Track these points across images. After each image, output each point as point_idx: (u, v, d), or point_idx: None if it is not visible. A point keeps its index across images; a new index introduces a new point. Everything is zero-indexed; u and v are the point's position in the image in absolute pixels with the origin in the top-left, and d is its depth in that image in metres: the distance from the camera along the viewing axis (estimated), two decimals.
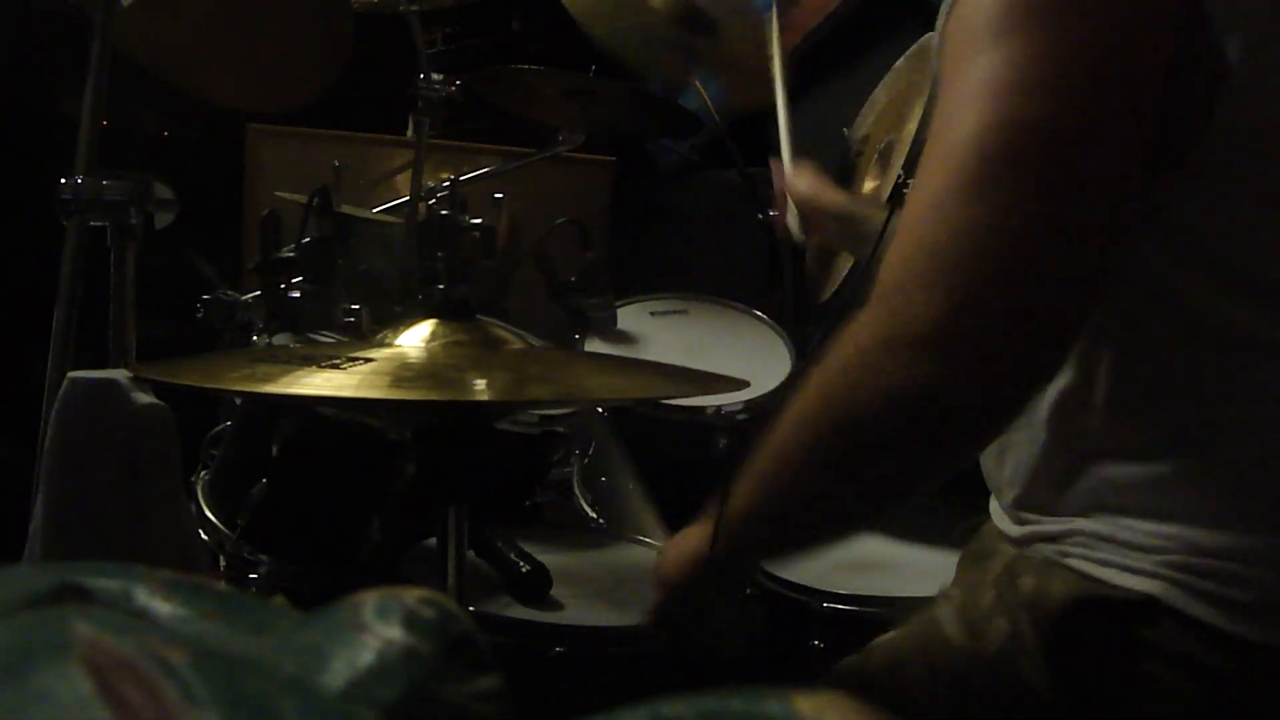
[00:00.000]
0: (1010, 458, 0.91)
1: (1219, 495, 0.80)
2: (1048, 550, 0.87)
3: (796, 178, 1.51)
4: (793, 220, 1.51)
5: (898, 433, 0.74)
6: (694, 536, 0.94)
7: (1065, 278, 0.71)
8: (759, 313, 2.00)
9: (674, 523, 1.61)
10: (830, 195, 1.45)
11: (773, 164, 1.58)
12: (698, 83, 2.13)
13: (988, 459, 0.95)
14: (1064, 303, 0.71)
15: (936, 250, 0.71)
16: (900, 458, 0.76)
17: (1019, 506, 0.91)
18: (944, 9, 0.80)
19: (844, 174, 1.56)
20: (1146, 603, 0.80)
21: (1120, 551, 0.82)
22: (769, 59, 1.52)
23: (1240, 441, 0.80)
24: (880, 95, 1.57)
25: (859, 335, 0.75)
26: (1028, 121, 0.71)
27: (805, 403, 0.79)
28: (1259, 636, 0.77)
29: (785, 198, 1.50)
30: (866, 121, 1.58)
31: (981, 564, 0.95)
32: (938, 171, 0.73)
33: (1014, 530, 0.92)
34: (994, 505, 0.97)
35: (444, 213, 1.94)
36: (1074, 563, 0.84)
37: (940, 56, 0.79)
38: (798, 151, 1.53)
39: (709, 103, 2.17)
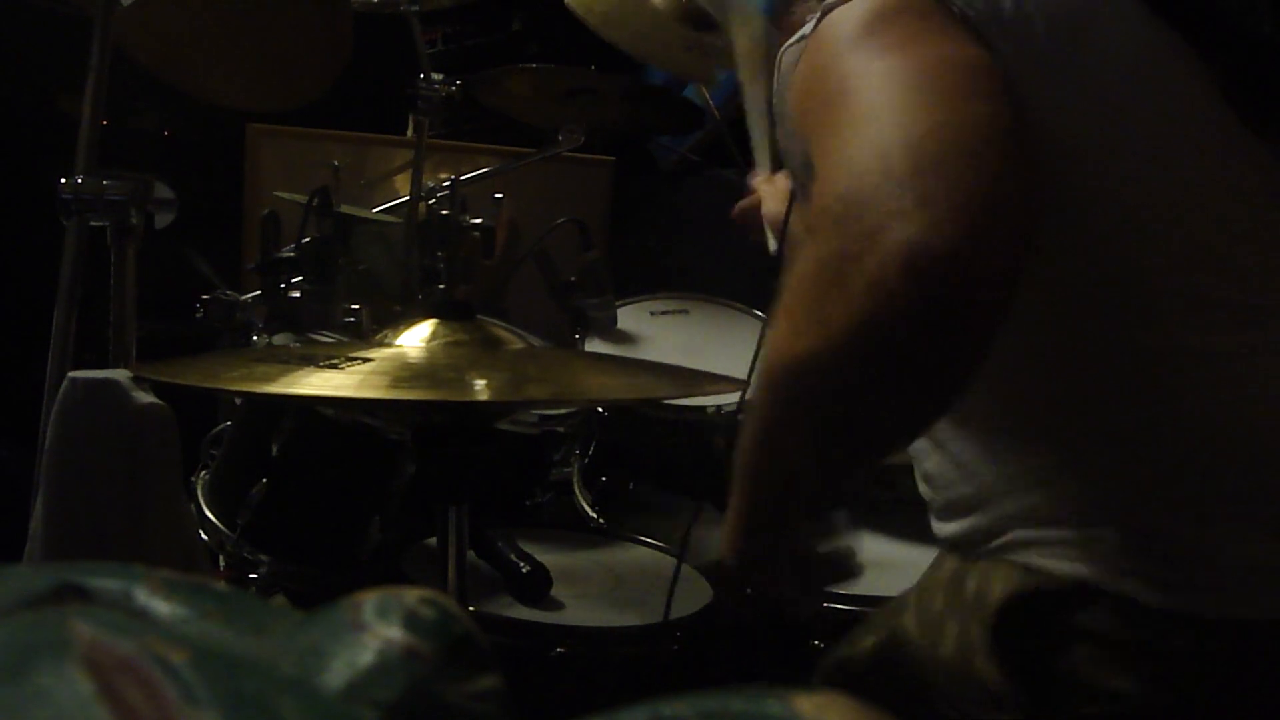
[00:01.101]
0: (935, 473, 0.96)
1: (1139, 495, 0.83)
2: (988, 551, 0.90)
3: (771, 192, 1.52)
4: (768, 230, 1.51)
5: (903, 322, 0.69)
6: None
7: (1019, 158, 0.72)
8: (759, 313, 2.00)
9: (673, 522, 1.62)
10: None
11: (753, 173, 1.59)
12: (716, 70, 2.13)
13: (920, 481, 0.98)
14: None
15: (875, 160, 0.70)
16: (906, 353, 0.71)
17: (951, 513, 0.95)
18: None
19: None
20: (1079, 587, 0.83)
21: (1051, 546, 0.85)
22: (743, 73, 1.52)
23: (1155, 441, 0.83)
24: None
25: (809, 266, 0.72)
26: (951, 55, 0.75)
27: (779, 352, 0.75)
28: (1185, 608, 0.80)
29: (753, 204, 1.52)
30: None
31: (935, 568, 0.99)
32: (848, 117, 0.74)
33: (951, 532, 0.94)
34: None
35: (444, 213, 1.94)
36: (1012, 556, 0.87)
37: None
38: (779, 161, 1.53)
39: (709, 101, 2.17)
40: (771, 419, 0.80)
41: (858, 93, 0.75)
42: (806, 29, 0.85)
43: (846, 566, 1.27)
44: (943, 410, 0.77)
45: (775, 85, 0.88)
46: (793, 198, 1.07)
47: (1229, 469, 0.83)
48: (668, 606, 1.17)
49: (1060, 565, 0.84)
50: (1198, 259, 0.84)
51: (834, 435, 0.77)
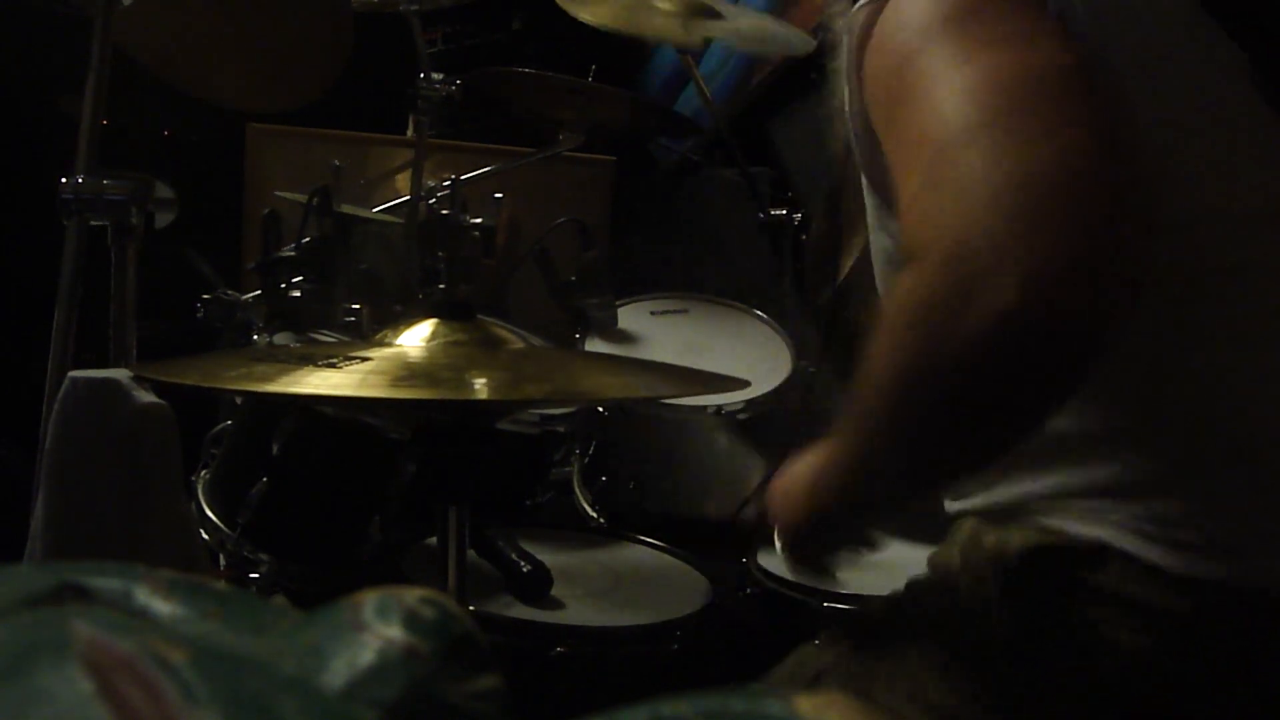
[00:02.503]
0: None
1: (1164, 463, 0.84)
2: (1007, 519, 0.91)
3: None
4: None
5: (999, 366, 0.70)
6: (807, 478, 0.92)
7: (1127, 183, 0.70)
8: (759, 312, 2.00)
9: (674, 524, 1.62)
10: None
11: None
12: (699, 77, 2.13)
13: None
14: (1122, 208, 0.70)
15: (990, 189, 0.69)
16: (1009, 388, 0.72)
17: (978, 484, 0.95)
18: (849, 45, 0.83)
19: (840, 182, 1.56)
20: (1097, 548, 0.84)
21: (1074, 509, 0.86)
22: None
23: (1184, 412, 0.85)
24: None
25: (919, 296, 0.72)
26: (1041, 61, 0.72)
27: (888, 370, 0.76)
28: (1203, 573, 0.81)
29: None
30: None
31: (950, 533, 0.99)
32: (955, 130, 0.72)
33: (978, 502, 0.95)
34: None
35: (444, 213, 1.94)
36: (1034, 518, 0.88)
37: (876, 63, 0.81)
38: (795, 153, 1.52)
39: (709, 100, 2.17)
40: (876, 430, 0.81)
41: (944, 102, 0.73)
42: None
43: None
44: (1026, 440, 0.78)
45: (846, 44, 0.86)
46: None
47: (1252, 440, 0.84)
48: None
49: (1080, 528, 0.85)
50: (1222, 233, 0.86)
51: (936, 453, 0.79)
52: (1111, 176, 0.69)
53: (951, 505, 0.98)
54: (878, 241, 0.98)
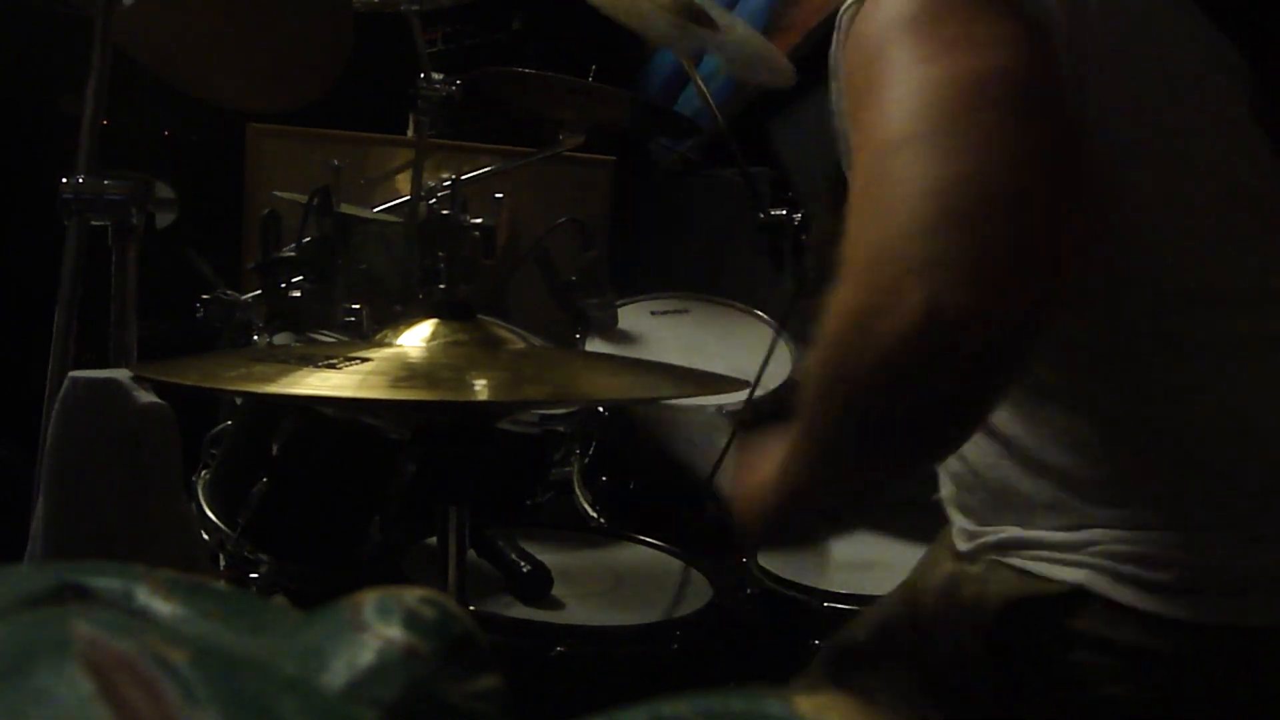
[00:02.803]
0: (948, 479, 0.97)
1: (1137, 500, 0.84)
2: (990, 556, 0.91)
3: None
4: None
5: (924, 366, 0.70)
6: (757, 483, 0.93)
7: (1051, 200, 0.71)
8: (759, 312, 2.00)
9: (672, 524, 1.62)
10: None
11: None
12: (698, 78, 2.12)
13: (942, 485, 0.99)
14: (1049, 220, 0.71)
15: (922, 199, 0.69)
16: (934, 390, 0.72)
17: (959, 511, 0.96)
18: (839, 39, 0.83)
19: (840, 182, 1.56)
20: (1075, 593, 0.84)
21: (1050, 551, 0.86)
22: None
23: (1152, 449, 0.84)
24: None
25: (840, 308, 0.74)
26: (992, 70, 0.72)
27: (818, 374, 0.78)
28: (1180, 614, 0.81)
29: None
30: None
31: (931, 570, 1.00)
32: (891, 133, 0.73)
33: (962, 547, 0.95)
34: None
35: (444, 213, 1.94)
36: (1012, 561, 0.88)
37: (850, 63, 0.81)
38: (795, 153, 1.52)
39: (709, 100, 2.17)
40: (811, 429, 0.82)
41: (893, 103, 0.74)
42: None
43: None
44: (958, 444, 0.80)
45: (834, 43, 0.87)
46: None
47: (1230, 476, 0.83)
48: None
49: (1057, 571, 0.85)
50: (1209, 257, 0.85)
51: (861, 454, 0.80)
52: (1032, 194, 0.69)
53: (958, 543, 0.98)
54: None
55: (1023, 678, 0.87)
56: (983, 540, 0.92)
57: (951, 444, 0.78)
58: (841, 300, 0.73)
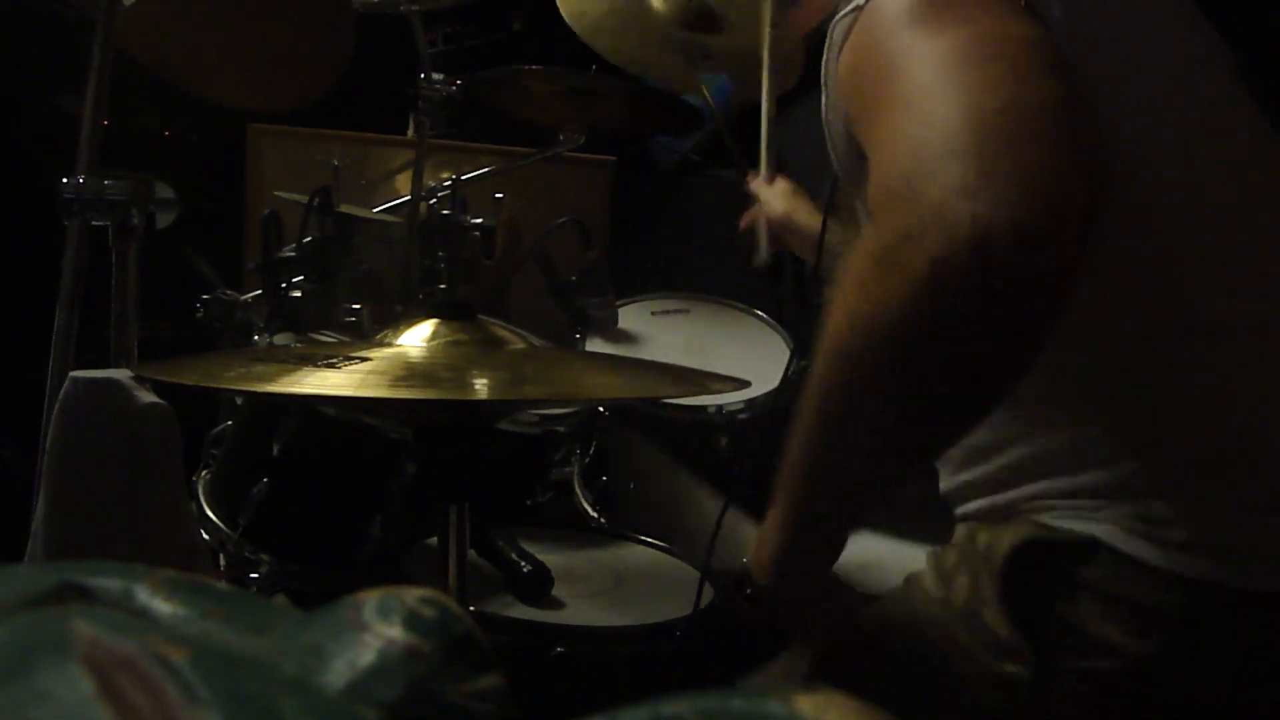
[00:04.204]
0: (952, 468, 0.98)
1: (1154, 464, 0.85)
2: (1004, 514, 0.93)
3: (772, 195, 1.51)
4: (762, 238, 1.50)
5: (940, 321, 0.67)
6: (770, 531, 0.93)
7: (1078, 137, 0.70)
8: (759, 312, 2.00)
9: (672, 524, 1.62)
10: (804, 217, 1.45)
11: (750, 176, 1.58)
12: (700, 81, 2.12)
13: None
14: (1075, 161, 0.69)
15: (942, 142, 0.68)
16: (951, 344, 0.69)
17: (967, 497, 0.97)
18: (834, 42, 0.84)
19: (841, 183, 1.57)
20: (1088, 544, 0.85)
21: (1065, 506, 0.88)
22: (760, 63, 1.52)
23: (1173, 413, 0.86)
24: None
25: (870, 245, 0.71)
26: (1005, 30, 0.73)
27: (836, 338, 0.74)
28: (1189, 571, 0.82)
29: (759, 214, 1.51)
30: None
31: (950, 529, 1.01)
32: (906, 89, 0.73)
33: (971, 507, 0.97)
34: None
35: (444, 213, 1.95)
36: (1025, 514, 0.90)
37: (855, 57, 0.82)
38: (795, 155, 1.53)
39: (710, 100, 2.17)
40: (827, 409, 0.78)
41: (914, 71, 0.73)
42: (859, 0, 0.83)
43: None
44: (1003, 395, 0.74)
45: (825, 57, 0.87)
46: (832, 188, 1.08)
47: (1240, 442, 0.85)
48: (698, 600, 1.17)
49: (1070, 523, 0.87)
50: (1215, 233, 0.87)
51: (891, 423, 0.75)
52: (1062, 131, 0.68)
53: (946, 483, 1.00)
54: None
55: (1033, 622, 0.88)
56: (995, 501, 0.93)
57: (1002, 385, 0.72)
58: (873, 234, 0.70)
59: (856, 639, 1.01)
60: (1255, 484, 0.85)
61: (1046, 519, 0.88)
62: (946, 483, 1.01)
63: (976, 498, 0.96)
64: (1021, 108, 0.68)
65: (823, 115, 0.92)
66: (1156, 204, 0.85)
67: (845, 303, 0.72)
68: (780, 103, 1.62)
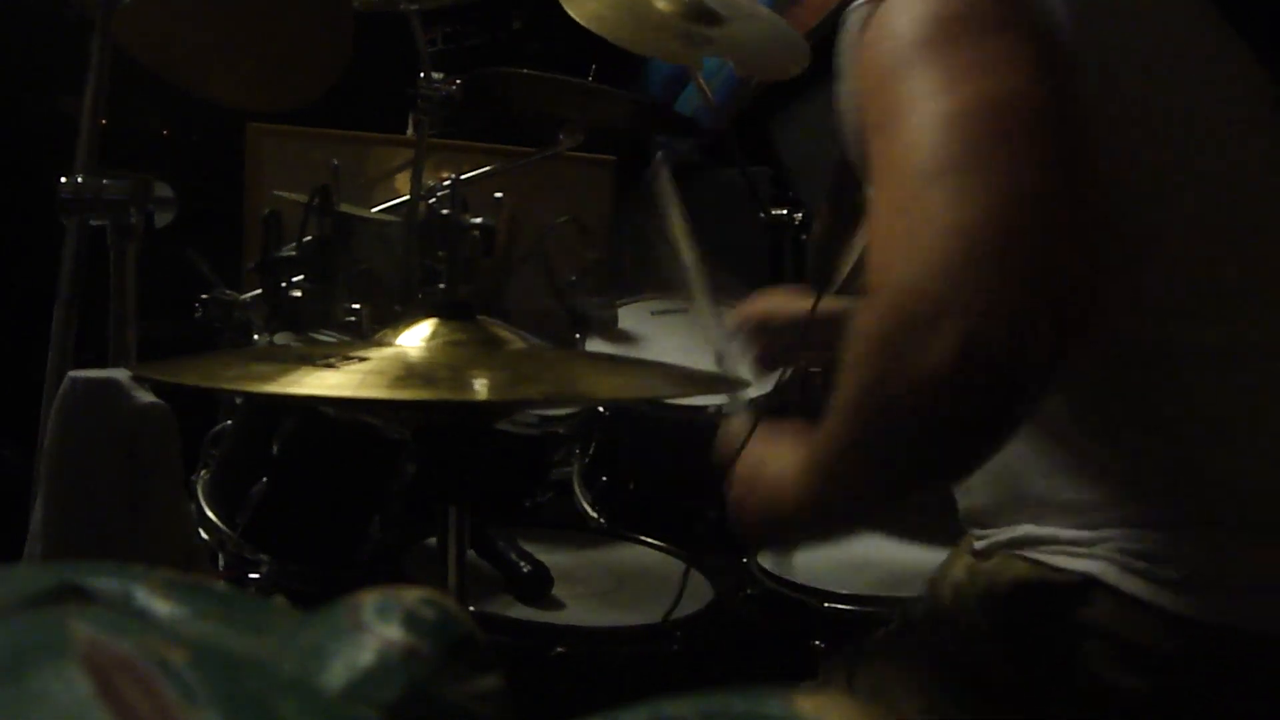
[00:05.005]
0: (964, 490, 0.98)
1: (1148, 498, 0.85)
2: (1004, 551, 0.92)
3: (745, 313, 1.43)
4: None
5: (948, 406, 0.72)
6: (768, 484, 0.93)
7: (1076, 228, 0.71)
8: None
9: (670, 524, 1.62)
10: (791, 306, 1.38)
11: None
12: (700, 79, 2.12)
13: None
14: (1080, 252, 0.71)
15: (942, 230, 0.70)
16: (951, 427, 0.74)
17: (973, 522, 0.97)
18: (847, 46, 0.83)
19: (841, 181, 1.56)
20: (1086, 583, 0.85)
21: (1063, 545, 0.87)
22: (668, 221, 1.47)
23: (1165, 446, 0.85)
24: None
25: (871, 340, 0.75)
26: (1010, 96, 0.73)
27: (849, 402, 0.78)
28: (1188, 611, 0.81)
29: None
30: None
31: (948, 568, 1.01)
32: (913, 161, 0.74)
33: (976, 545, 0.97)
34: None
35: (444, 212, 1.94)
36: (1025, 553, 0.90)
37: (863, 81, 0.82)
38: (796, 153, 1.52)
39: (710, 100, 2.17)
40: (839, 435, 0.81)
41: (912, 135, 0.74)
42: None
43: None
44: (984, 462, 0.80)
45: (840, 42, 0.87)
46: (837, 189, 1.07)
47: (1239, 479, 0.84)
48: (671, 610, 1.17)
49: (1068, 562, 0.86)
50: (1219, 253, 0.86)
51: (881, 472, 0.80)
52: (1058, 223, 0.70)
53: (971, 541, 0.99)
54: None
55: (1029, 662, 0.88)
56: (996, 538, 0.93)
57: (979, 462, 0.80)
58: (873, 329, 0.74)
59: (857, 678, 1.01)
60: (1256, 520, 0.84)
61: (1042, 556, 0.88)
62: (960, 501, 1.01)
63: (981, 522, 0.96)
64: (1013, 214, 0.70)
65: (840, 103, 0.91)
66: (1151, 232, 0.84)
67: (854, 372, 0.77)
68: (782, 102, 1.61)
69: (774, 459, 0.92)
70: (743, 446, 0.97)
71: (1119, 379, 0.85)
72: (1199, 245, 0.86)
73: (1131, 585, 0.83)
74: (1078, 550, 0.86)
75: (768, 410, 1.04)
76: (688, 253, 1.33)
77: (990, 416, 0.73)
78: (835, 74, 0.89)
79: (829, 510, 0.88)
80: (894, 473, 0.79)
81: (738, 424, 1.01)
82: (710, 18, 1.87)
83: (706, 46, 1.89)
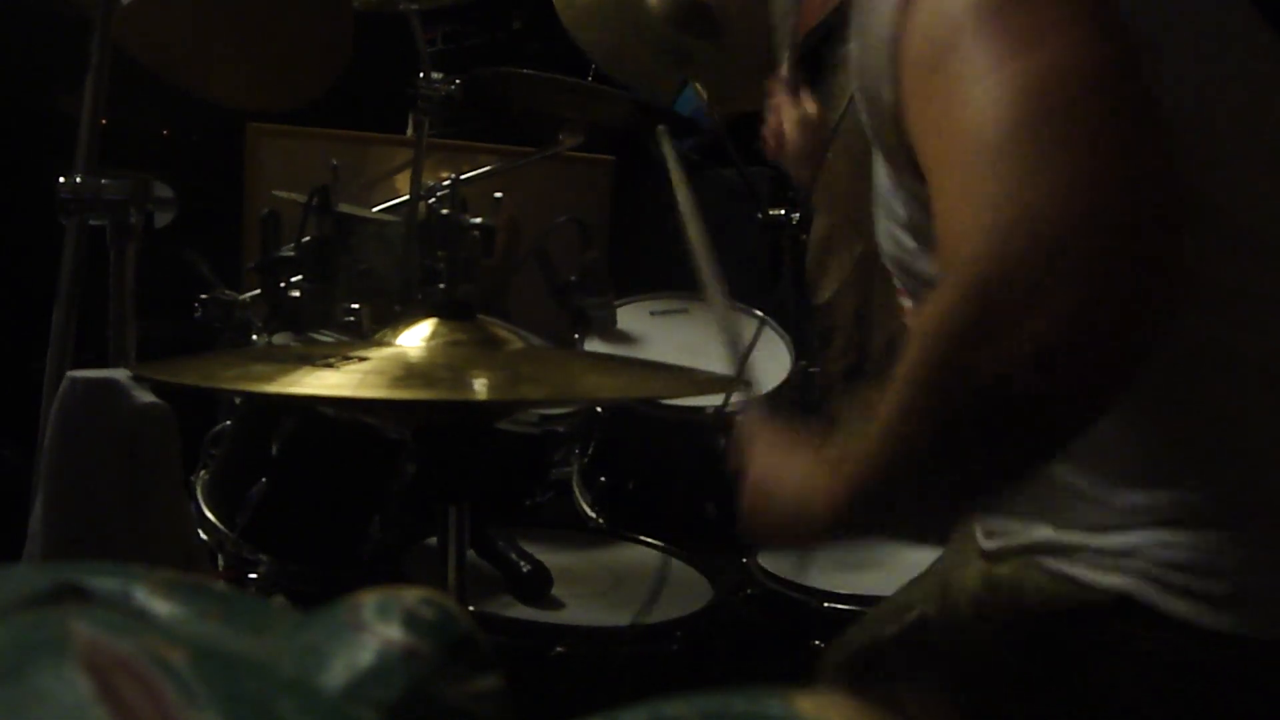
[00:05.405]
0: None
1: (1185, 505, 0.80)
2: (1020, 558, 0.87)
3: (790, 116, 1.44)
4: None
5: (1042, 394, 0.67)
6: (798, 483, 0.86)
7: (1160, 201, 0.67)
8: (759, 312, 2.00)
9: (671, 524, 1.62)
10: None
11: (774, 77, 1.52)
12: (696, 83, 2.12)
13: None
14: (1165, 226, 0.67)
15: (1024, 208, 0.65)
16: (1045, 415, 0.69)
17: (985, 520, 0.92)
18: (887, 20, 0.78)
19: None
20: (1120, 601, 0.80)
21: (1091, 556, 0.82)
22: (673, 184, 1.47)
23: (1203, 454, 0.80)
24: None
25: (952, 320, 0.69)
26: (1084, 64, 0.68)
27: (927, 383, 0.72)
28: (1231, 628, 0.77)
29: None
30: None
31: (959, 569, 0.96)
32: (987, 135, 0.69)
33: (986, 544, 0.92)
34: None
35: (444, 212, 1.94)
36: (1046, 563, 0.85)
37: (911, 53, 0.76)
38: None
39: (707, 100, 2.17)
40: (897, 435, 0.76)
41: (977, 111, 0.69)
42: None
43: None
44: (1040, 468, 0.75)
45: (865, 8, 0.81)
46: (834, 132, 1.03)
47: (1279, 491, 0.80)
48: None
49: (1098, 577, 0.81)
50: (1265, 257, 0.82)
51: (934, 470, 0.75)
52: (1147, 200, 0.66)
53: (979, 540, 0.94)
54: (890, 217, 0.91)
55: (1062, 689, 0.83)
56: (1011, 541, 0.88)
57: (1052, 456, 0.74)
58: (952, 316, 0.68)
59: (865, 684, 0.97)
60: None
61: (1067, 568, 0.83)
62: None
63: (988, 524, 0.92)
64: (1095, 190, 0.65)
65: (854, 69, 0.86)
66: (1223, 232, 0.80)
67: (927, 359, 0.71)
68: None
69: (796, 463, 0.86)
70: (757, 450, 0.91)
71: (1167, 379, 0.79)
72: (1252, 241, 0.82)
73: (1170, 605, 0.78)
74: (1106, 563, 0.81)
75: (776, 409, 1.01)
76: (694, 223, 1.30)
77: (1080, 407, 0.67)
78: (858, 34, 0.85)
79: (875, 511, 0.81)
80: (965, 468, 0.73)
81: (749, 426, 0.97)
82: (704, 22, 1.87)
83: (687, 66, 1.89)
